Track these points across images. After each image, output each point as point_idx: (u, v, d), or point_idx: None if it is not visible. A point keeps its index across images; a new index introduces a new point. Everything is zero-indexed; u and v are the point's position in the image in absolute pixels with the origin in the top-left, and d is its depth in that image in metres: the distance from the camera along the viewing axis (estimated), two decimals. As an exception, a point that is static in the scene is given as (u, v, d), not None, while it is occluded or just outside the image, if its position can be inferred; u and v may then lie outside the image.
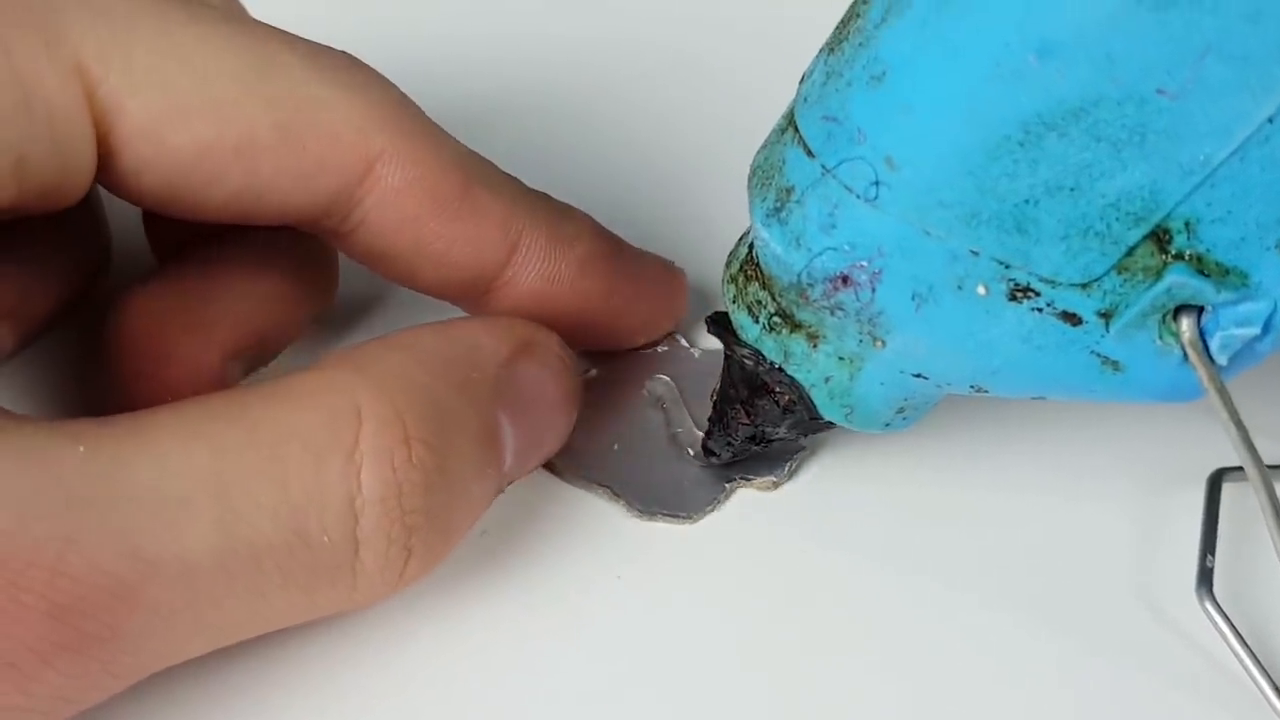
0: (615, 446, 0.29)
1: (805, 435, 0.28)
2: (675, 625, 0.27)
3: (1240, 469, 0.28)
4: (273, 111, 0.25)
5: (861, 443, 0.30)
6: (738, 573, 0.28)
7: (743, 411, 0.27)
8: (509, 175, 0.28)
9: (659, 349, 0.32)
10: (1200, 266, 0.22)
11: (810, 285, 0.24)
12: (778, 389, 0.27)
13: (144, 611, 0.21)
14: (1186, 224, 0.21)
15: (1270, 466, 0.23)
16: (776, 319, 0.26)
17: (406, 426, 0.23)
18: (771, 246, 0.25)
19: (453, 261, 0.27)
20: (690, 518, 0.28)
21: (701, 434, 0.29)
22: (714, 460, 0.29)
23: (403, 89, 0.27)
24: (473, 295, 0.28)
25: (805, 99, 0.24)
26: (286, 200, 0.26)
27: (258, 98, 0.25)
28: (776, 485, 0.29)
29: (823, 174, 0.24)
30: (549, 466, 0.29)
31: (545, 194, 0.29)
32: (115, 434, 0.22)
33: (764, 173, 0.25)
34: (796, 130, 0.24)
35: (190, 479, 0.21)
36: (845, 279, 0.24)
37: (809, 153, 0.24)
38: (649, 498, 0.29)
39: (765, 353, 0.26)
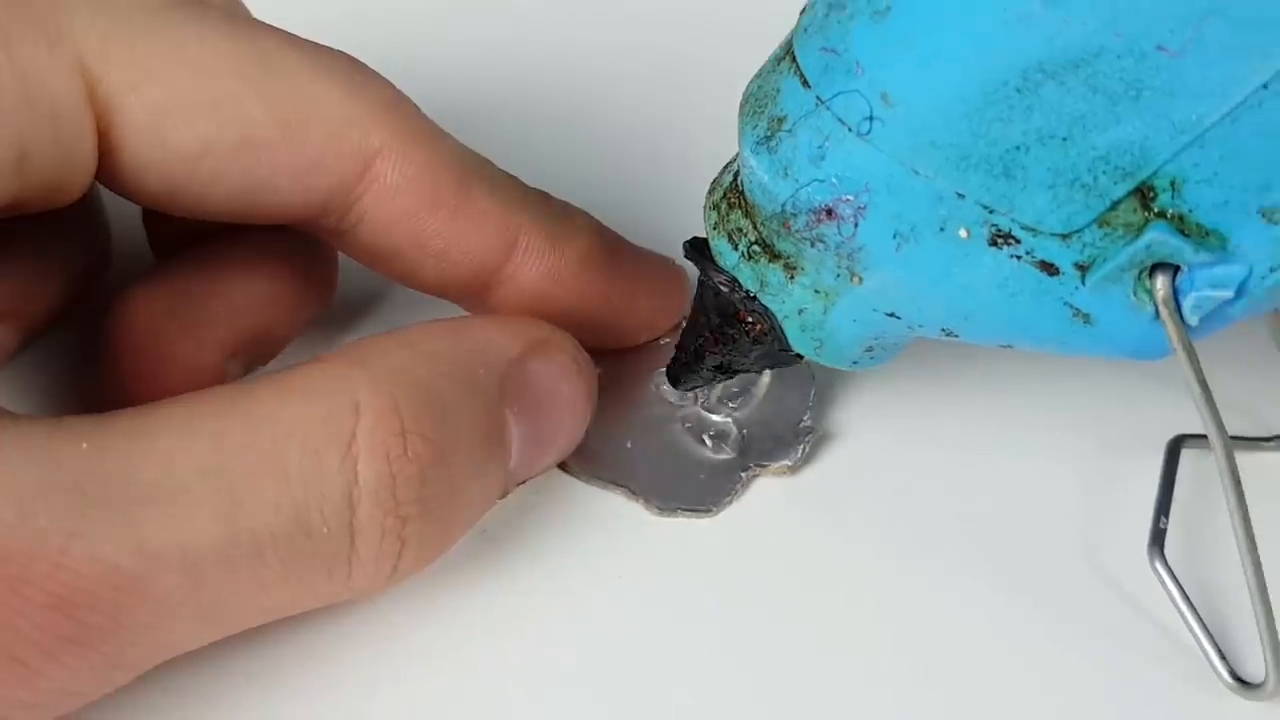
0: (628, 444, 0.30)
1: (771, 368, 0.28)
2: (694, 622, 0.27)
3: (1200, 437, 0.28)
4: (273, 109, 0.25)
5: (884, 423, 0.30)
6: (759, 565, 0.28)
7: (712, 339, 0.28)
8: (507, 173, 0.28)
9: (663, 342, 0.31)
10: (1181, 226, 0.22)
11: (794, 216, 0.24)
12: (750, 318, 0.27)
13: (147, 604, 0.21)
14: (1172, 183, 0.22)
15: (1231, 437, 0.24)
16: (756, 248, 0.26)
17: (403, 419, 0.23)
18: (758, 175, 0.25)
19: (452, 259, 0.27)
20: (710, 511, 0.29)
21: (715, 420, 0.30)
22: (680, 389, 0.29)
23: (402, 89, 0.27)
24: (472, 293, 0.28)
25: (805, 29, 0.24)
26: (285, 198, 0.26)
27: (258, 95, 0.25)
28: (792, 470, 0.29)
29: (817, 105, 0.24)
30: (563, 467, 0.29)
31: (544, 192, 0.29)
32: (118, 429, 0.22)
33: (757, 101, 0.25)
34: (794, 60, 0.24)
35: (192, 472, 0.22)
36: (829, 212, 0.24)
37: (805, 83, 0.24)
38: (667, 494, 0.29)
39: (741, 280, 0.26)
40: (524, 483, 0.27)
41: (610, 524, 0.28)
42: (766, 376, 0.30)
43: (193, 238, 0.29)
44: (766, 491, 0.29)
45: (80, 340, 0.31)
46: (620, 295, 0.29)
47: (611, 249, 0.29)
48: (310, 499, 0.22)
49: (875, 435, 0.30)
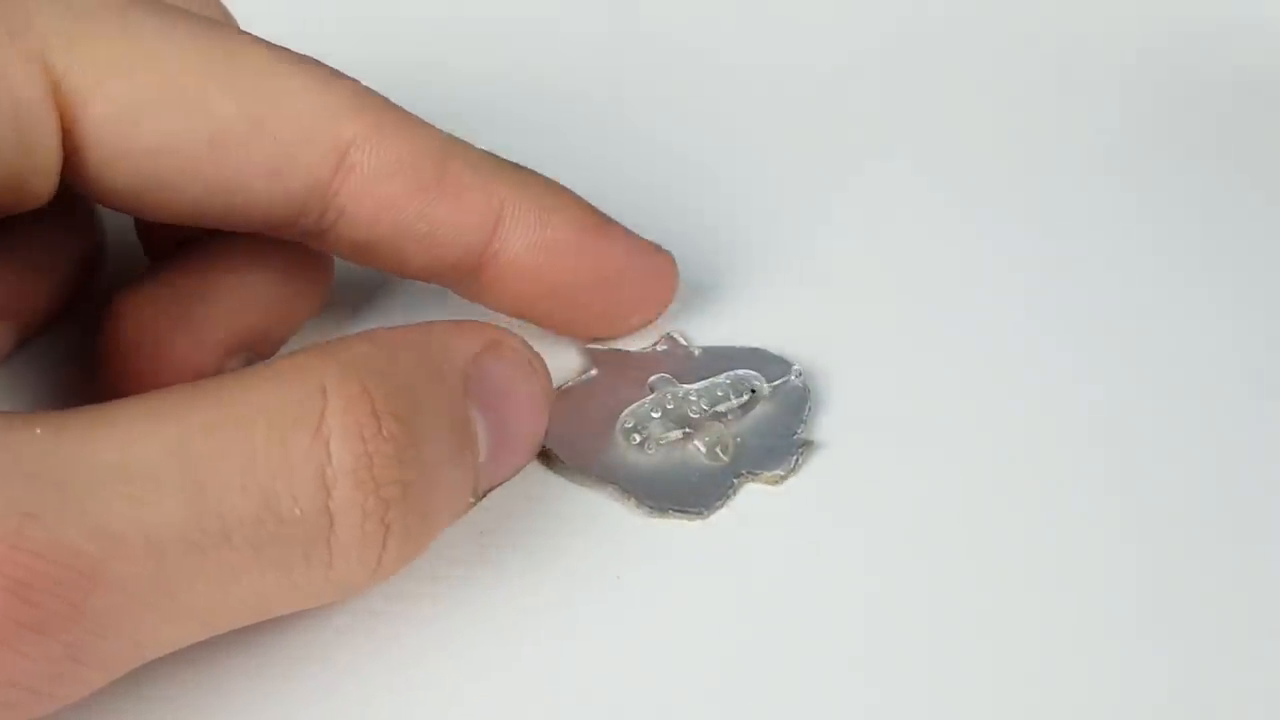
0: (620, 445, 0.30)
1: None
2: (687, 623, 0.26)
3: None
4: (243, 105, 0.25)
5: (863, 434, 0.30)
6: (749, 568, 0.28)
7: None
8: (486, 151, 0.28)
9: (658, 348, 0.32)
10: None
11: None
12: None
13: (109, 589, 0.20)
14: None
15: None
16: None
17: (374, 402, 0.23)
18: None
19: (438, 240, 0.27)
20: (701, 513, 0.28)
21: (711, 426, 0.30)
22: None
23: (397, 89, 0.27)
24: (463, 274, 0.28)
25: None
26: (259, 197, 0.26)
27: (227, 90, 0.25)
28: (782, 479, 0.29)
29: None
30: (553, 466, 0.29)
31: (526, 167, 0.29)
32: (78, 419, 0.21)
33: None
34: None
35: (155, 456, 0.21)
36: None
37: None
38: (658, 495, 0.29)
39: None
40: (491, 490, 0.26)
41: (604, 525, 0.28)
42: (765, 389, 0.31)
43: (187, 238, 0.29)
44: (760, 496, 0.29)
45: (76, 340, 0.30)
46: (610, 270, 0.29)
47: (598, 222, 0.29)
48: (279, 481, 0.21)
49: (872, 447, 0.30)
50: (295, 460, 0.22)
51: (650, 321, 0.32)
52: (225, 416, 0.22)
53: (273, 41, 0.26)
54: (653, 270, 0.31)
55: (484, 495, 0.26)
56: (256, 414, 0.22)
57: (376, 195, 0.26)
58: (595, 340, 0.32)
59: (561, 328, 0.31)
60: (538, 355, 0.27)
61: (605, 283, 0.30)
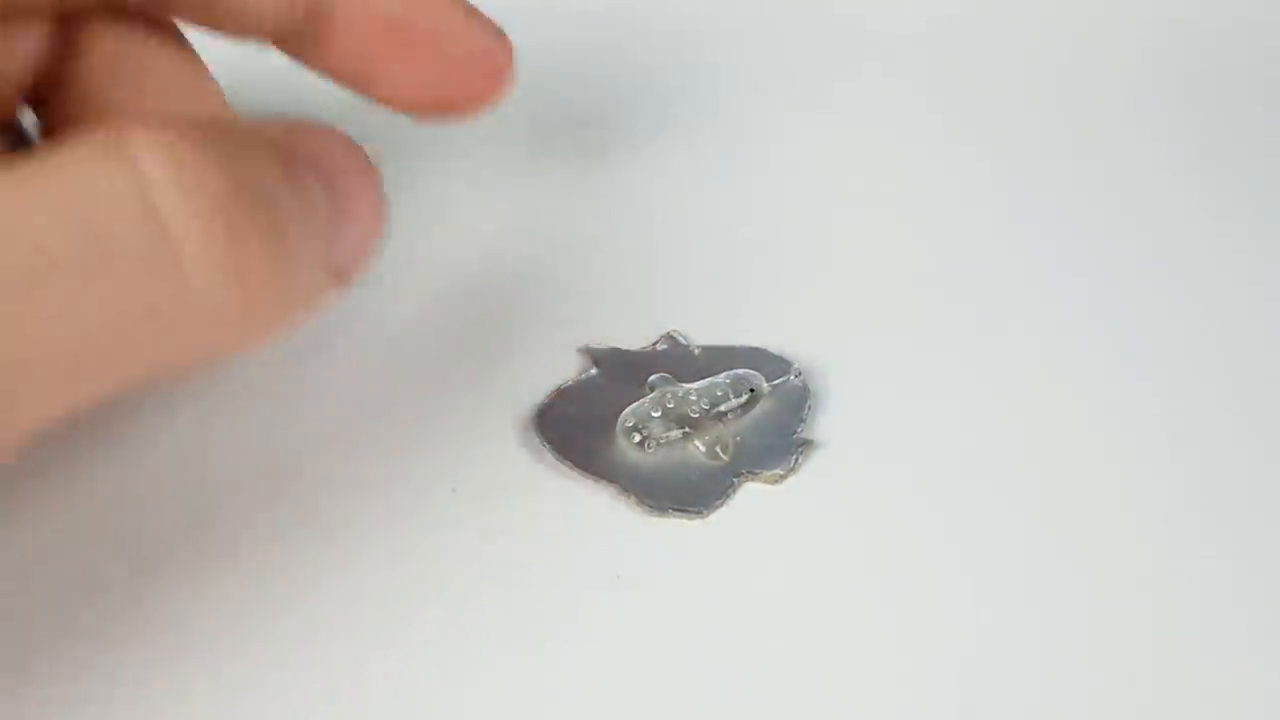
0: (620, 444, 0.30)
1: None
2: (687, 623, 0.26)
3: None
4: None
5: (863, 434, 0.30)
6: (749, 568, 0.28)
7: None
8: None
9: (658, 347, 0.32)
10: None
11: None
12: None
13: None
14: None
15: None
16: None
17: (181, 128, 0.21)
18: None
19: None
20: (701, 513, 0.29)
21: (711, 426, 0.30)
22: None
23: None
24: (308, 18, 0.28)
25: None
26: None
27: None
28: (782, 479, 0.29)
29: None
30: (555, 467, 0.29)
31: None
32: None
33: None
34: None
35: None
36: None
37: None
38: (658, 494, 0.29)
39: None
40: (352, 271, 0.25)
41: (604, 525, 0.28)
42: (765, 389, 0.31)
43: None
44: (760, 496, 0.29)
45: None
46: (453, 24, 0.29)
47: None
48: (92, 202, 0.20)
49: (872, 447, 0.30)
50: (106, 184, 0.20)
51: (489, 102, 0.31)
52: (19, 171, 0.20)
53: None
54: (491, 41, 0.30)
55: (347, 281, 0.24)
56: (53, 165, 0.20)
57: None
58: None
59: (399, 99, 0.30)
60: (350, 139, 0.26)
61: (447, 38, 0.29)
